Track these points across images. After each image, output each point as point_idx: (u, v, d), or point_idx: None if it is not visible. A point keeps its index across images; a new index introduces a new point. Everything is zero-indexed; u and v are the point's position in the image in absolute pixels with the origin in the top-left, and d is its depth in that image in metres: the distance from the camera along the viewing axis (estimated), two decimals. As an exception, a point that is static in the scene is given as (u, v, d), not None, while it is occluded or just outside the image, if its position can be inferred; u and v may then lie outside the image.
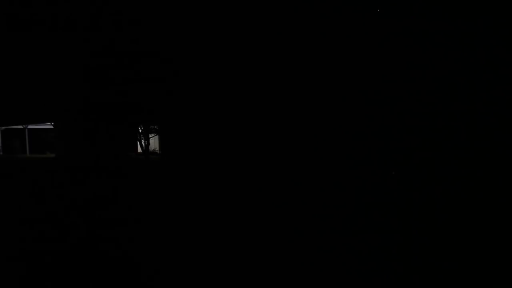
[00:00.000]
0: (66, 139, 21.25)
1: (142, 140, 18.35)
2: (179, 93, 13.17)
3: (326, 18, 9.90)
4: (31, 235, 5.82)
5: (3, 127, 28.40)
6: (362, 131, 10.68)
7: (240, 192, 9.46)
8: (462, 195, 8.11)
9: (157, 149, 22.56)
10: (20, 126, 27.71)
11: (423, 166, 9.80)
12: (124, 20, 9.62)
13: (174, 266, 4.48)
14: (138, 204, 8.14)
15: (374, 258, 4.60)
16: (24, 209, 7.87)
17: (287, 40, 10.53)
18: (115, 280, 4.10)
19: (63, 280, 4.12)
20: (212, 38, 10.76)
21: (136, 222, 6.57)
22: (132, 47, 11.08)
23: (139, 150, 19.01)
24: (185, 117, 14.01)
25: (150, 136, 19.36)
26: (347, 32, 9.98)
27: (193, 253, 4.86)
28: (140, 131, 18.59)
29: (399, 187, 9.57)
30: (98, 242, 5.41)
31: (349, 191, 9.21)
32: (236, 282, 4.01)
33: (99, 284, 4.01)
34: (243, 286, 3.94)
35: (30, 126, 27.69)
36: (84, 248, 5.14)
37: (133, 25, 10.04)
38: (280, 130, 11.59)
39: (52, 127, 24.86)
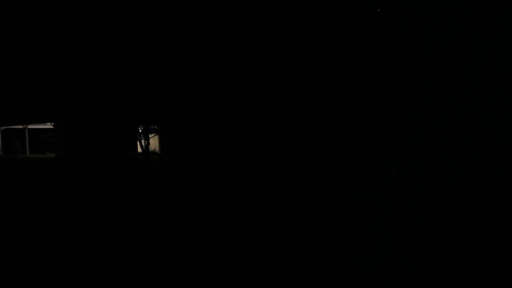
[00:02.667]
0: (66, 139, 21.27)
1: (142, 140, 18.39)
2: (179, 93, 13.18)
3: (327, 19, 9.90)
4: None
5: (3, 127, 28.43)
6: (362, 131, 10.68)
7: (240, 191, 9.46)
8: (462, 195, 8.11)
9: (157, 149, 22.58)
10: (20, 126, 27.73)
11: (422, 166, 9.80)
12: (124, 20, 9.63)
13: (174, 265, 4.49)
14: (137, 204, 8.15)
15: (374, 258, 4.61)
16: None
17: (288, 42, 10.52)
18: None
19: (66, 280, 4.13)
20: (213, 39, 10.75)
21: (137, 221, 6.58)
22: (132, 48, 11.07)
23: (139, 150, 19.09)
24: (185, 117, 14.02)
25: (150, 136, 19.40)
26: (348, 33, 9.98)
27: (191, 252, 4.87)
28: (140, 131, 18.62)
29: (399, 186, 9.57)
30: (101, 243, 5.43)
31: (349, 190, 9.21)
32: (235, 282, 4.03)
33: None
34: (243, 286, 3.95)
35: (30, 126, 27.72)
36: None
37: (133, 25, 10.03)
38: (281, 128, 11.59)
39: (52, 127, 24.88)
